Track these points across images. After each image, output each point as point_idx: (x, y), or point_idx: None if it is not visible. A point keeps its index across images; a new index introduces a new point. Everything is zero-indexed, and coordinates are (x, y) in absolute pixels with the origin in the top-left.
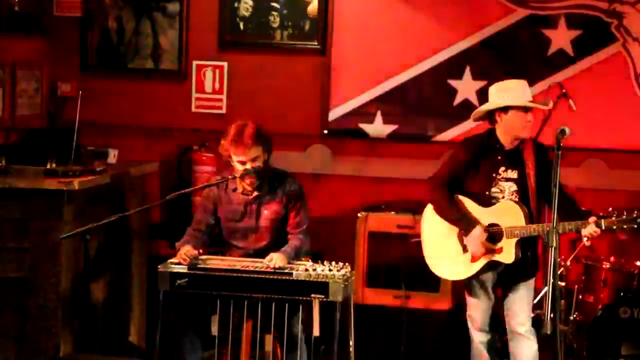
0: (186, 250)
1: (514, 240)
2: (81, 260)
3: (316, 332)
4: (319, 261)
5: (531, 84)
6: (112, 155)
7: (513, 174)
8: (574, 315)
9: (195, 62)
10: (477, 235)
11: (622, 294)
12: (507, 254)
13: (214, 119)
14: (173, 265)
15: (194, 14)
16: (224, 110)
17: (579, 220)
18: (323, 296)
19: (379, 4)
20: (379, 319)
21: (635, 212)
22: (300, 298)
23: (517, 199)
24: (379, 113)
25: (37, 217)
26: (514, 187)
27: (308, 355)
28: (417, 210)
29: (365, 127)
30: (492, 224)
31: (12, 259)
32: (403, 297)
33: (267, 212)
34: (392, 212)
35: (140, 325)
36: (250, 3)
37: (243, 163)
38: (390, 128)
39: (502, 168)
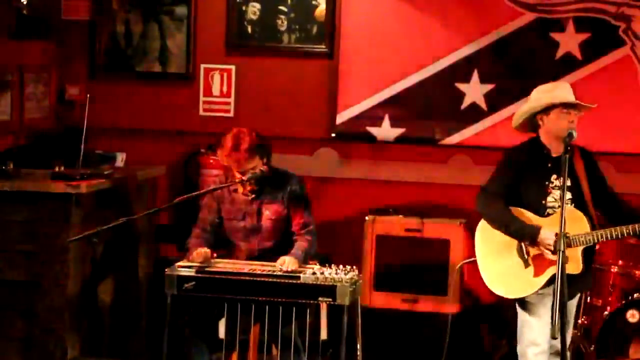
0: (203, 251)
1: (580, 249)
2: (88, 264)
3: (324, 335)
4: (327, 264)
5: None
6: (120, 159)
7: (568, 182)
8: (582, 319)
9: (203, 66)
10: (547, 237)
11: (630, 298)
12: (575, 263)
13: (221, 122)
14: (180, 269)
15: (201, 18)
16: (231, 114)
17: (637, 224)
18: (331, 299)
19: (387, 8)
20: (386, 323)
21: None
22: (308, 302)
23: (573, 206)
24: (386, 116)
25: (45, 221)
26: (569, 195)
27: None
28: (424, 213)
29: (372, 130)
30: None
31: (19, 262)
32: (411, 300)
33: (269, 213)
34: (400, 216)
35: (147, 328)
36: (258, 6)
37: (242, 173)
38: (397, 131)
39: (554, 176)
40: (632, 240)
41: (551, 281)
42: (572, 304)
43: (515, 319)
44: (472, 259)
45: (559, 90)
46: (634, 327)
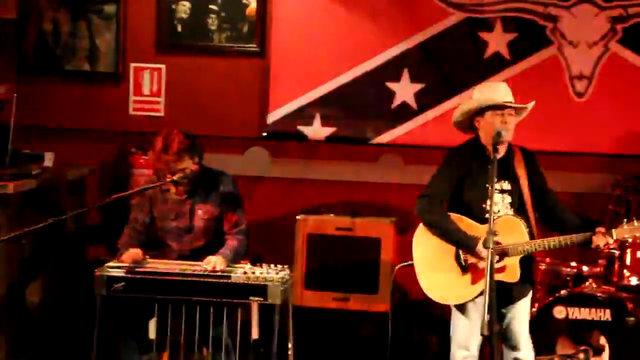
0: (133, 253)
1: (518, 258)
2: (16, 265)
3: (255, 335)
4: (258, 264)
5: (468, 86)
6: (49, 159)
7: (507, 185)
8: None
9: (132, 65)
10: (484, 250)
11: (557, 294)
12: (512, 272)
13: (152, 121)
14: (110, 269)
15: (131, 16)
16: (162, 113)
17: (586, 232)
18: (262, 299)
19: (318, 7)
20: (318, 321)
21: None
22: (239, 301)
23: (512, 212)
24: (317, 115)
25: None
26: (509, 199)
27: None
28: (355, 212)
29: (303, 129)
30: (497, 243)
31: None
32: (342, 299)
33: (201, 212)
34: (331, 215)
35: (77, 330)
36: (188, 5)
37: (173, 174)
38: (328, 130)
39: (495, 179)
40: None
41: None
42: (518, 310)
43: (446, 316)
44: (409, 262)
45: (492, 91)
46: (561, 323)
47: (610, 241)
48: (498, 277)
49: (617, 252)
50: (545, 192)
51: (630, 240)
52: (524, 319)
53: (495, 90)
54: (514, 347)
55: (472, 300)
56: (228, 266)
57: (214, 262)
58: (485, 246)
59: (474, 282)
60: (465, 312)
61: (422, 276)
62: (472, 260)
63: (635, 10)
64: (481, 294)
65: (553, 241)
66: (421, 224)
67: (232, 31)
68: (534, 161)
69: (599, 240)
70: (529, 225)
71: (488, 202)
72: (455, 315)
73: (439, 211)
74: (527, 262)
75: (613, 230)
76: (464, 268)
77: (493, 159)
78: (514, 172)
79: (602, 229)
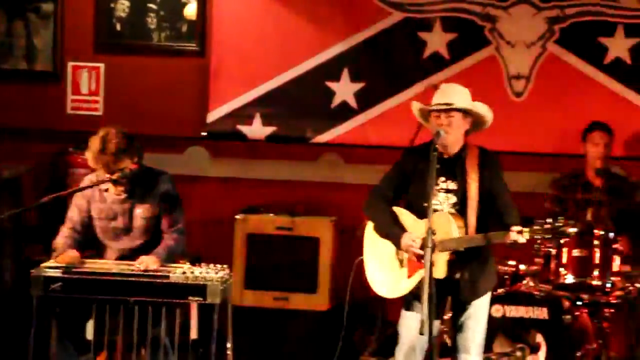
0: (68, 256)
1: (446, 254)
2: None
3: (194, 335)
4: (197, 264)
5: (408, 85)
6: None
7: (453, 185)
8: (449, 315)
9: (70, 64)
10: (407, 243)
11: (495, 293)
12: (438, 268)
13: (90, 120)
14: (47, 270)
15: (68, 15)
16: (100, 112)
17: (504, 231)
18: (201, 299)
19: (258, 7)
20: (258, 321)
21: (554, 221)
22: (178, 301)
23: (454, 211)
24: (257, 115)
25: None
26: (454, 199)
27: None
28: (295, 211)
29: (243, 129)
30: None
31: None
32: (281, 298)
33: (140, 212)
34: (271, 214)
35: (13, 330)
36: (127, 4)
37: (111, 173)
38: (268, 130)
39: (442, 178)
40: None
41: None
42: (472, 312)
43: (386, 315)
44: (362, 257)
45: (436, 93)
46: (498, 322)
47: (521, 240)
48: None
49: (553, 251)
50: (495, 197)
51: (539, 238)
52: (477, 322)
53: (441, 92)
54: (462, 350)
55: (413, 297)
56: (162, 265)
57: (147, 262)
58: (425, 245)
59: (409, 275)
60: (410, 311)
61: (369, 271)
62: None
63: (572, 11)
64: (416, 289)
65: (476, 238)
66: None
67: (172, 30)
68: (491, 164)
69: (511, 237)
70: (465, 225)
71: (432, 201)
72: (402, 313)
73: (378, 204)
74: (480, 262)
75: (527, 229)
76: (401, 262)
77: (432, 158)
78: (464, 171)
79: (517, 228)
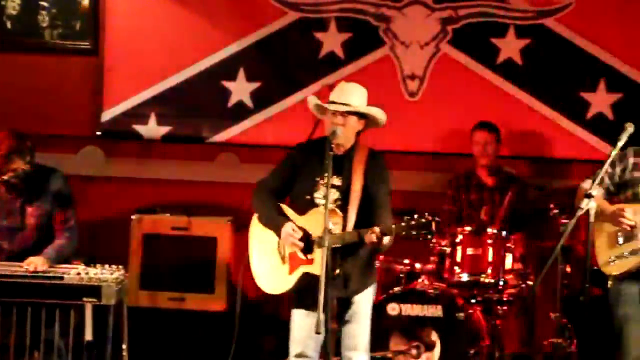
0: None
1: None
2: None
3: (89, 336)
4: (92, 264)
5: (304, 85)
6: None
7: (337, 181)
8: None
9: None
10: (288, 232)
11: (390, 292)
12: (318, 265)
13: None
14: None
15: None
16: None
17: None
18: (96, 300)
19: (153, 5)
20: (154, 322)
21: (414, 218)
22: (72, 302)
23: (335, 206)
24: (153, 114)
25: None
26: (337, 195)
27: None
28: (191, 211)
29: (139, 128)
30: (307, 234)
31: None
32: (177, 299)
33: (32, 210)
34: (167, 214)
35: None
36: (18, 1)
37: (2, 173)
38: (164, 129)
39: (330, 174)
40: None
41: (306, 281)
42: (357, 309)
43: (282, 315)
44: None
45: (335, 91)
46: (393, 320)
47: (374, 239)
48: (308, 268)
49: (448, 249)
50: (373, 198)
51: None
52: (362, 317)
53: (339, 91)
54: (351, 349)
55: (299, 295)
56: (52, 266)
57: (35, 263)
58: (321, 245)
59: (290, 271)
60: (301, 308)
61: (254, 266)
62: (290, 249)
63: (465, 12)
64: (297, 285)
65: (347, 236)
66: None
67: (65, 28)
68: (378, 166)
69: (370, 237)
70: (344, 221)
71: (315, 195)
72: (293, 313)
73: (264, 196)
74: (360, 256)
75: (393, 225)
76: (283, 258)
77: (328, 156)
78: (350, 169)
79: (377, 229)
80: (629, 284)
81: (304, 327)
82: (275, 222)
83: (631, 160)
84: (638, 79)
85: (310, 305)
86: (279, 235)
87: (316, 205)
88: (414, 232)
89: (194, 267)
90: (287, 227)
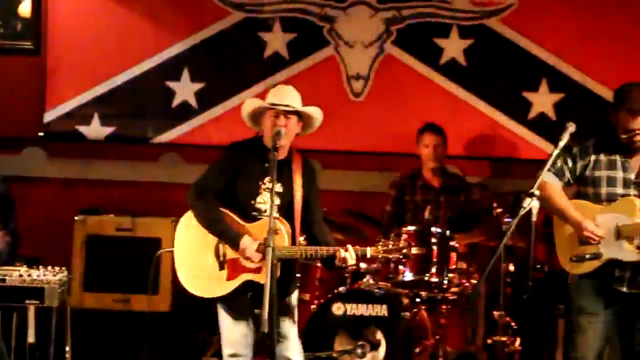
0: None
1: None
2: None
3: (31, 339)
4: (35, 266)
5: (249, 85)
6: None
7: (278, 188)
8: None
9: None
10: (248, 246)
11: (336, 291)
12: (264, 274)
13: None
14: None
15: None
16: None
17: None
18: (38, 302)
19: (96, 5)
20: (98, 323)
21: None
22: (14, 305)
23: (279, 215)
24: (96, 115)
25: None
26: (278, 201)
27: None
28: (135, 212)
29: (82, 129)
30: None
31: None
32: (122, 300)
33: None
34: (111, 215)
35: None
36: None
37: None
38: (108, 130)
39: (268, 178)
40: (339, 235)
41: (245, 288)
42: (291, 306)
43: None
44: (171, 249)
45: (272, 94)
46: (339, 320)
47: (351, 261)
48: (252, 277)
49: None
50: (311, 208)
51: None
52: (293, 318)
53: (278, 93)
54: (285, 347)
55: (231, 296)
56: None
57: None
58: (267, 245)
59: (229, 278)
60: (231, 313)
61: (181, 266)
62: (231, 255)
63: (409, 12)
64: (235, 291)
65: (310, 251)
66: (187, 213)
67: (6, 28)
68: (312, 174)
69: (343, 255)
70: (292, 230)
71: (257, 199)
72: (221, 314)
73: (209, 200)
74: (289, 265)
75: (368, 248)
76: (221, 264)
77: (272, 158)
78: (290, 177)
79: (350, 247)
80: (587, 280)
81: (234, 330)
82: (230, 236)
83: (593, 157)
84: (580, 79)
85: (239, 316)
86: (234, 246)
87: (258, 211)
88: (390, 256)
89: (139, 268)
90: (248, 243)
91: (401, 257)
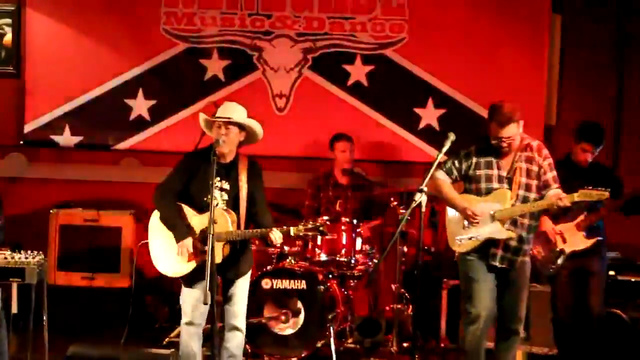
0: None
1: (222, 243)
2: None
3: (14, 309)
4: (17, 250)
5: (192, 102)
6: None
7: (226, 185)
8: None
9: None
10: (186, 245)
11: (264, 269)
12: (217, 255)
13: None
14: None
15: None
16: None
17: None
18: (20, 279)
19: (65, 36)
20: (69, 297)
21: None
22: (0, 282)
23: (226, 206)
24: (67, 126)
25: None
26: (226, 197)
27: (7, 329)
28: (100, 206)
29: (55, 138)
30: (204, 229)
31: None
32: (89, 278)
33: None
34: (80, 208)
35: None
36: None
37: None
38: (77, 139)
39: (218, 178)
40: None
41: (202, 267)
42: (237, 288)
43: (175, 289)
44: (146, 241)
45: (222, 108)
46: (267, 292)
47: (279, 241)
48: (202, 257)
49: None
50: (256, 200)
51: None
52: (241, 295)
53: (225, 108)
54: (232, 318)
55: (192, 274)
56: None
57: None
58: (207, 232)
59: (188, 260)
60: (189, 288)
61: (153, 253)
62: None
63: (322, 44)
64: (196, 269)
65: (250, 232)
66: (155, 211)
67: None
68: (256, 172)
69: (275, 238)
70: (238, 219)
71: (209, 196)
72: (183, 290)
73: (168, 200)
74: (242, 247)
75: (291, 227)
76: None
77: (212, 160)
78: (236, 176)
79: (274, 229)
80: (471, 256)
81: (191, 302)
82: (177, 230)
83: (474, 159)
84: (458, 98)
85: (195, 284)
86: (177, 241)
87: (208, 204)
88: (309, 234)
89: (103, 252)
90: (188, 242)
91: (318, 233)
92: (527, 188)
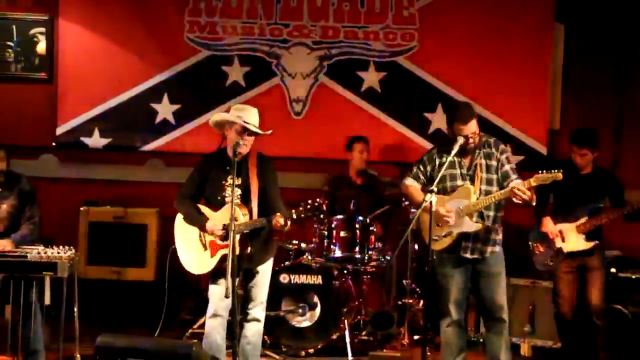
0: None
1: (238, 235)
2: None
3: (47, 301)
4: (50, 246)
5: (214, 107)
6: None
7: (238, 181)
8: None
9: None
10: (212, 227)
11: (282, 265)
12: (237, 246)
13: None
14: None
15: None
16: None
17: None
18: (53, 273)
19: (96, 44)
20: (99, 290)
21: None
22: (35, 275)
23: (239, 201)
24: (96, 129)
25: None
26: (239, 192)
27: (42, 320)
28: (127, 204)
29: (85, 140)
30: (224, 225)
31: None
32: (117, 272)
33: (5, 206)
34: (108, 206)
35: None
36: None
37: None
38: (105, 141)
39: (230, 176)
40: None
41: (223, 261)
42: (257, 278)
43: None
44: (174, 246)
45: (246, 113)
46: (285, 287)
47: (281, 222)
48: (223, 251)
49: (326, 233)
50: (266, 192)
51: (305, 216)
52: (261, 286)
53: (246, 113)
54: (252, 308)
55: (216, 271)
56: (17, 247)
57: (2, 244)
58: (229, 229)
59: (212, 255)
60: (215, 282)
61: (181, 254)
62: (209, 238)
63: (336, 51)
64: (218, 264)
65: (255, 220)
66: (178, 214)
67: (26, 63)
68: (266, 166)
69: (278, 221)
70: (250, 212)
71: (223, 194)
72: (210, 286)
73: (187, 202)
74: (260, 238)
75: (292, 210)
76: (205, 246)
77: (232, 161)
78: (247, 171)
79: (278, 214)
80: (446, 254)
81: (217, 295)
82: (199, 222)
83: (437, 161)
84: None
85: (219, 279)
86: (204, 230)
87: (223, 202)
88: (309, 214)
89: (130, 247)
90: (210, 224)
91: (317, 212)
92: (489, 182)
